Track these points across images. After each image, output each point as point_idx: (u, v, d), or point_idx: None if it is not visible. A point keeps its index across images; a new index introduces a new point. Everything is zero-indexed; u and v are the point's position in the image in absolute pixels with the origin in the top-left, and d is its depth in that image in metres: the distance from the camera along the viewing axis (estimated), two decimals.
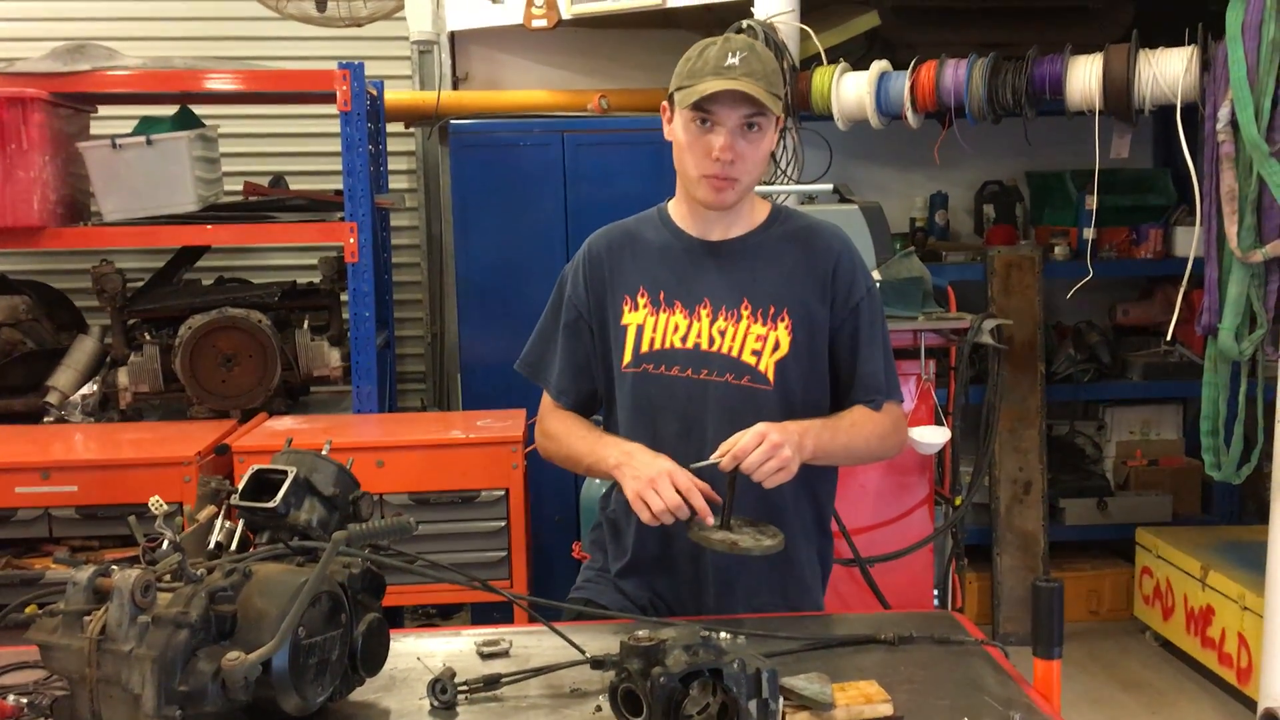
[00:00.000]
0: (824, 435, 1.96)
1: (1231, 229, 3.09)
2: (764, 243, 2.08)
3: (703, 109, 1.94)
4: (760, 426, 1.86)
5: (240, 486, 1.61)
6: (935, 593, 3.47)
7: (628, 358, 2.06)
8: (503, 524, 3.09)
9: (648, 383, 2.05)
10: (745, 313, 2.03)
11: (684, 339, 2.04)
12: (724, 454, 1.84)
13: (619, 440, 2.03)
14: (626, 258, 2.12)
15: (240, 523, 1.60)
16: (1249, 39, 3.00)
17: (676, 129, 2.01)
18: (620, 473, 1.96)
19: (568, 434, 2.13)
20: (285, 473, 1.60)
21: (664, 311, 2.05)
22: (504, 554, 3.10)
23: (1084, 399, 4.98)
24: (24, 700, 1.52)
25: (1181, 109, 3.35)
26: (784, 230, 2.10)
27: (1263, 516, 3.35)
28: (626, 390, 2.07)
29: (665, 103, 2.04)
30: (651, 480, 1.88)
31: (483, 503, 3.08)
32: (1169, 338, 3.72)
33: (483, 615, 3.88)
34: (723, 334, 2.03)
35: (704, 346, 2.03)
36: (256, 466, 1.62)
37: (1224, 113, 3.07)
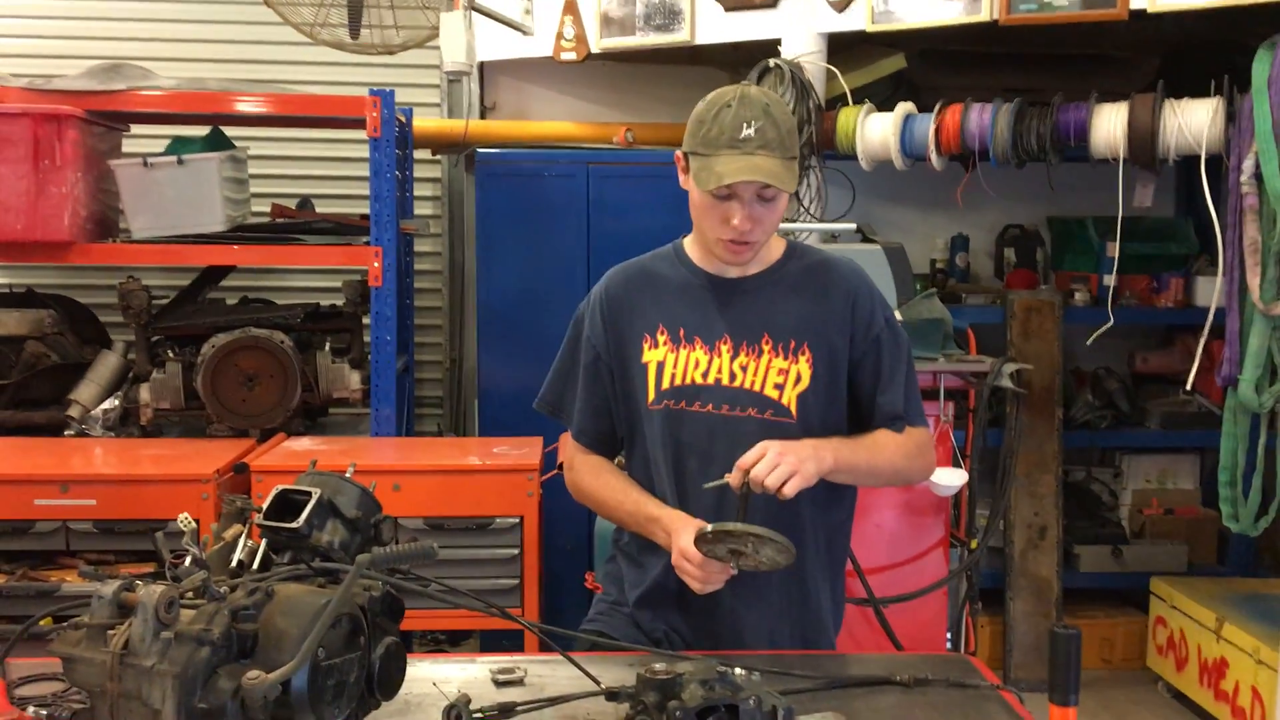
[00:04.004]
0: (844, 450, 1.97)
1: (1254, 281, 3.09)
2: (781, 278, 2.10)
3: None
4: (761, 443, 1.88)
5: (264, 506, 1.62)
6: (948, 636, 3.45)
7: (651, 395, 2.07)
8: (516, 551, 3.10)
9: (671, 420, 2.06)
10: (766, 347, 2.04)
11: (705, 375, 2.04)
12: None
13: (659, 515, 2.03)
14: (644, 296, 2.12)
15: (263, 542, 1.60)
16: (1275, 92, 3.01)
17: (692, 188, 2.01)
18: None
19: (604, 494, 2.15)
20: (309, 494, 1.60)
21: (684, 348, 2.06)
22: (517, 581, 3.10)
23: (1101, 446, 4.97)
24: (44, 712, 1.54)
25: (1206, 159, 3.36)
26: (800, 265, 2.12)
27: (1279, 569, 3.33)
28: (654, 428, 2.08)
29: (679, 154, 2.04)
30: (686, 560, 1.92)
31: (497, 529, 3.09)
32: (1188, 387, 3.71)
33: (492, 643, 3.87)
34: (744, 369, 2.04)
35: (725, 382, 2.04)
36: (281, 487, 1.63)
37: (1248, 165, 3.09)
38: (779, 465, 1.84)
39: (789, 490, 1.85)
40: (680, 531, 1.96)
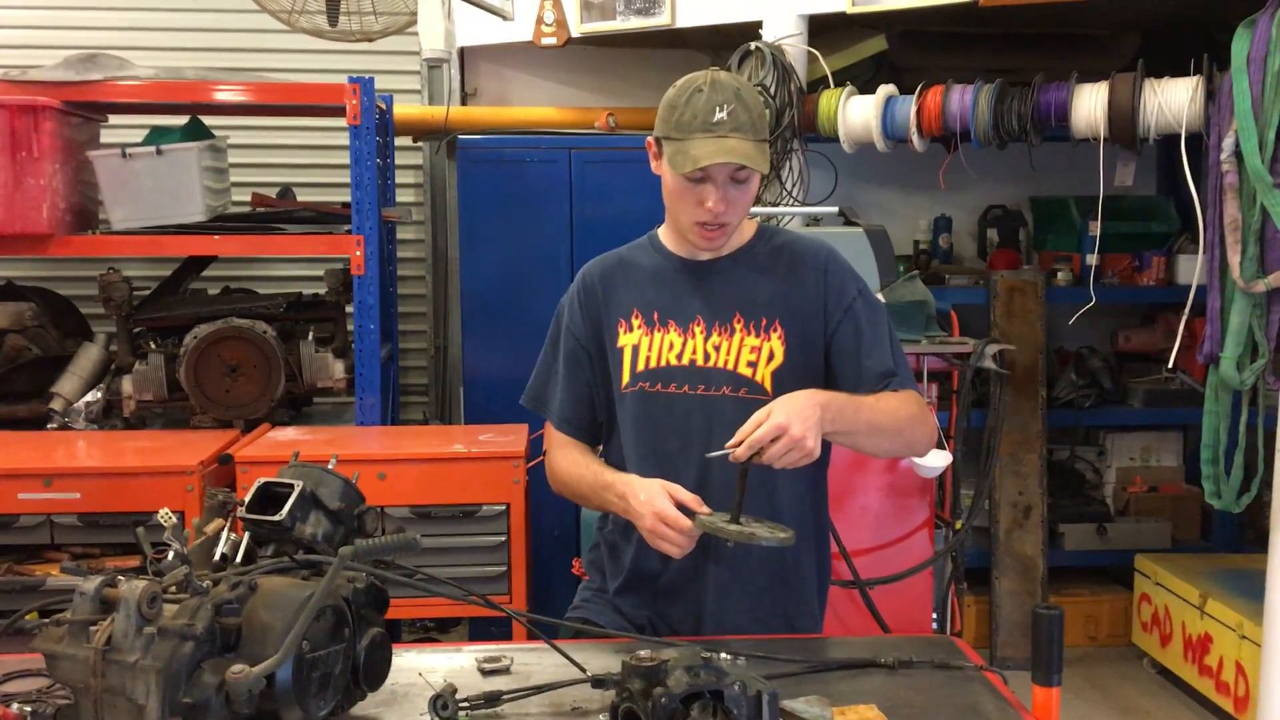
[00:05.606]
0: (847, 409, 1.92)
1: (1234, 259, 3.10)
2: (753, 259, 2.12)
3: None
4: (779, 416, 1.81)
5: (247, 499, 1.61)
6: (934, 616, 3.47)
7: (626, 378, 2.09)
8: (503, 539, 3.10)
9: (647, 401, 2.07)
10: (738, 326, 2.06)
11: (679, 356, 2.07)
12: (739, 442, 1.83)
13: (613, 481, 2.03)
14: (619, 283, 2.15)
15: (246, 535, 1.60)
16: (1254, 70, 3.02)
17: (665, 173, 2.02)
18: (631, 518, 1.98)
19: (570, 470, 2.14)
20: (292, 486, 1.60)
21: (658, 331, 2.09)
22: (504, 569, 3.10)
23: (1085, 424, 4.99)
24: (28, 708, 1.53)
25: (1186, 138, 3.37)
26: (770, 246, 2.15)
27: (1262, 545, 3.36)
28: (627, 411, 2.09)
29: (651, 139, 2.05)
30: (657, 514, 1.89)
31: (484, 517, 3.09)
32: (1170, 365, 3.73)
33: (480, 630, 3.88)
34: (717, 349, 2.06)
35: (700, 362, 2.06)
36: (263, 479, 1.63)
37: (1228, 143, 3.09)
38: (791, 450, 1.81)
39: (793, 467, 1.85)
40: (641, 491, 1.94)
